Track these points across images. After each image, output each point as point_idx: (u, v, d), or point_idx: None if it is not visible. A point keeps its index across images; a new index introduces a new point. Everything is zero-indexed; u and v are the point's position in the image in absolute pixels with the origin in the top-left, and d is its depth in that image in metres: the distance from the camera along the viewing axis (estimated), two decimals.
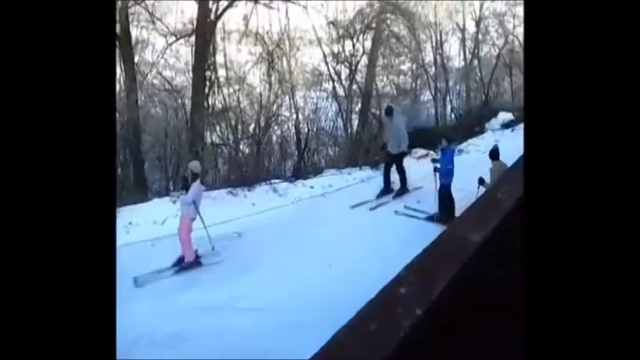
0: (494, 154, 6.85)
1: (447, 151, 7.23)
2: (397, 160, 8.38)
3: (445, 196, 6.98)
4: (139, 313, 5.06)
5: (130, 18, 11.47)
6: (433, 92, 14.95)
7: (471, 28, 15.08)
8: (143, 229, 7.15)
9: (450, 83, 15.28)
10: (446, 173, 7.00)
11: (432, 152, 10.09)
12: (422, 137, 9.70)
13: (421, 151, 10.04)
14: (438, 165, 7.21)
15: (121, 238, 6.77)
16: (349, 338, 0.67)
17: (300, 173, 10.52)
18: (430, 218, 7.07)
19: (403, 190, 8.36)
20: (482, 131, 11.60)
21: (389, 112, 8.78)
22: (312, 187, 8.81)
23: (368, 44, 14.01)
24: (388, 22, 14.20)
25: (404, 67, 15.21)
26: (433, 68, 14.97)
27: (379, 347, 0.65)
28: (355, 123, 13.90)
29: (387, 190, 8.38)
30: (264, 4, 12.25)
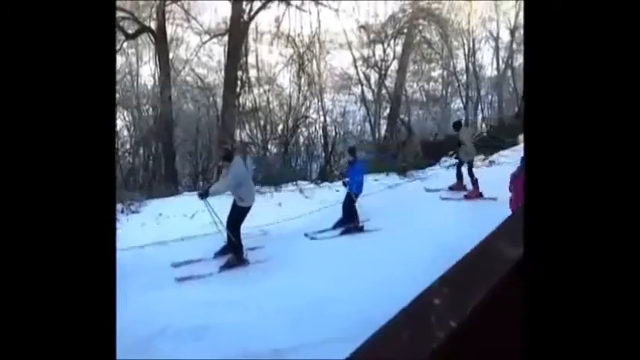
0: (457, 125, 8.82)
1: (355, 163, 7.31)
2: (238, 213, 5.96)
3: (350, 204, 7.05)
4: (166, 304, 5.16)
5: (166, 15, 11.77)
6: (464, 100, 14.78)
7: (505, 37, 14.87)
8: (173, 221, 7.25)
9: (482, 92, 15.08)
10: (355, 184, 7.06)
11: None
12: (452, 146, 9.44)
13: (451, 161, 9.89)
14: (347, 180, 7.21)
15: (151, 229, 6.95)
16: (380, 346, 0.69)
17: (326, 176, 10.55)
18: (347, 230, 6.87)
19: (238, 261, 5.83)
20: (515, 143, 11.33)
21: (228, 158, 5.99)
22: (337, 191, 8.80)
23: (399, 49, 13.93)
24: (420, 27, 14.10)
25: (435, 74, 15.09)
26: (465, 76, 14.80)
27: (411, 356, 0.66)
28: (383, 128, 13.88)
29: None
30: (297, 7, 12.37)
